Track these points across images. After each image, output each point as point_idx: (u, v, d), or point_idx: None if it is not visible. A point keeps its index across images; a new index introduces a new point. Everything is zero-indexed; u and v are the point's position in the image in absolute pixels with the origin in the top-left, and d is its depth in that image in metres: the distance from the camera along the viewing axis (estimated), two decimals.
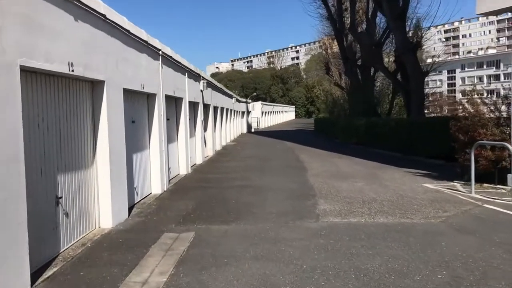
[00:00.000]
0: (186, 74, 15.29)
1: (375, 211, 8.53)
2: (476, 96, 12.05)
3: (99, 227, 7.63)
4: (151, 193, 11.07)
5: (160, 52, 11.44)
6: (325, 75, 62.47)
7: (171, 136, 13.61)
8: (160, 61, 11.49)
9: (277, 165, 16.90)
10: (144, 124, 10.85)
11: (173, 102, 14.14)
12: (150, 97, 11.06)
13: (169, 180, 12.47)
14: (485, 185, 11.03)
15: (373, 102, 33.91)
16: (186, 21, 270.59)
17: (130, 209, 9.11)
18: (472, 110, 11.49)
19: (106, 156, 7.63)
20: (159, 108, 11.30)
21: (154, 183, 11.22)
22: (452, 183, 11.71)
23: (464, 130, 11.52)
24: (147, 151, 11.01)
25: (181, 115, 14.73)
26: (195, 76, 17.26)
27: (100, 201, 7.64)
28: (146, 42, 10.08)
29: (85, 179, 7.22)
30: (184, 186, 12.40)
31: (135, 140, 10.02)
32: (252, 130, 52.40)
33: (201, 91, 18.38)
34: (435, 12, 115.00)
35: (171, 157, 13.29)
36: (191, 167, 15.76)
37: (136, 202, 9.90)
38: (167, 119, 12.65)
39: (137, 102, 10.29)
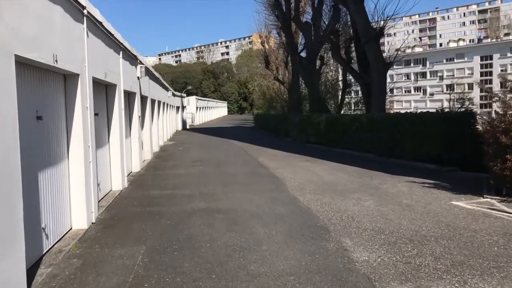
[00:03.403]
0: (121, 53, 11.27)
1: (449, 263, 5.28)
2: None
3: None
4: (71, 229, 7.12)
5: (85, 12, 7.46)
6: (261, 70, 59.82)
7: (101, 138, 9.61)
8: (85, 26, 7.51)
9: (239, 173, 13.33)
10: (59, 122, 6.85)
11: (103, 90, 10.10)
12: (69, 79, 7.06)
13: (98, 202, 8.52)
14: None
15: (322, 97, 31.28)
16: (109, 12, 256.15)
17: (34, 268, 5.20)
18: None
19: None
20: (84, 97, 7.33)
21: (76, 213, 7.24)
22: (483, 199, 8.90)
23: (505, 130, 8.74)
24: (65, 163, 7.03)
25: (115, 109, 10.66)
26: (131, 59, 13.21)
27: None
28: None
29: None
30: (122, 214, 8.45)
31: (43, 148, 6.06)
32: (187, 127, 48.17)
33: (138, 78, 14.35)
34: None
35: (101, 168, 9.32)
36: (126, 177, 11.72)
37: (45, 251, 5.95)
38: (95, 114, 8.69)
39: (47, 85, 6.29)
